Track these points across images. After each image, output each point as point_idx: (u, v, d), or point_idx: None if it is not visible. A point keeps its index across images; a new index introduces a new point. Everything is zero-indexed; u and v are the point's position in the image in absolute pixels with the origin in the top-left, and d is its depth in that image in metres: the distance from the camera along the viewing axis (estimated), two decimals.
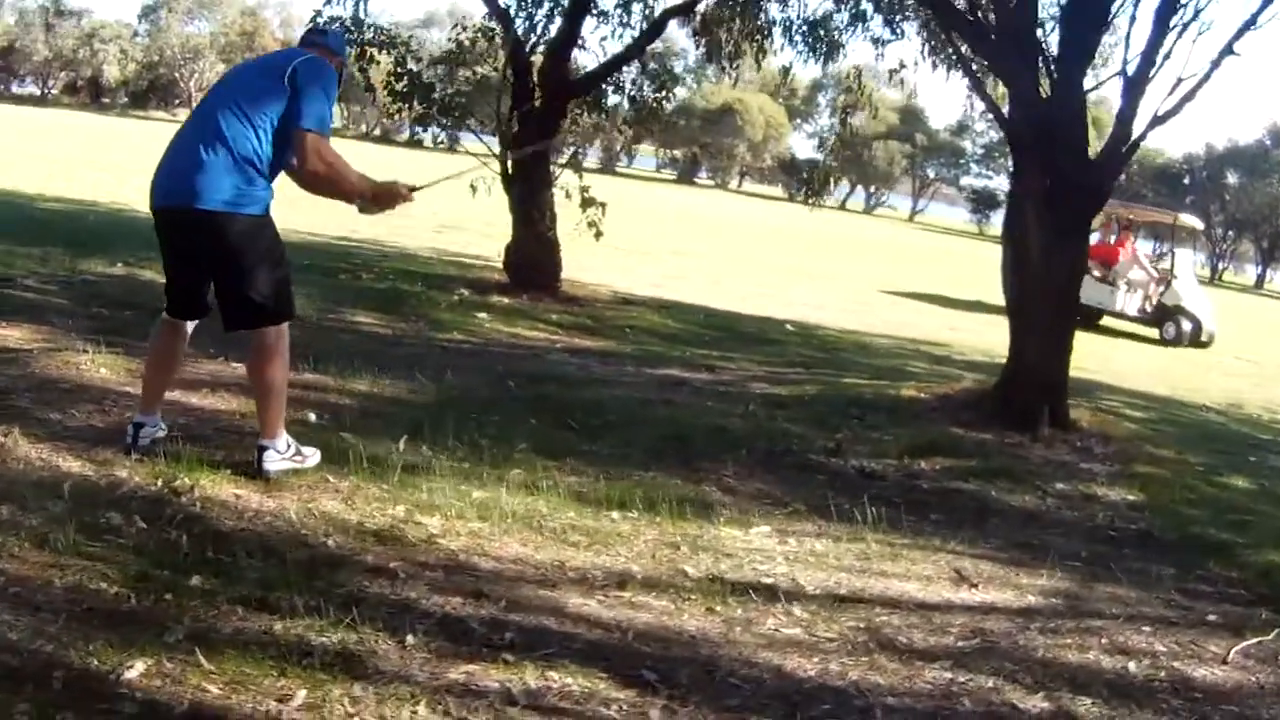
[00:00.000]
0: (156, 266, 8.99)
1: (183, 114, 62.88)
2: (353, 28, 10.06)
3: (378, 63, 10.03)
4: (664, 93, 10.22)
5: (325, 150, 3.78)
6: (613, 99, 10.36)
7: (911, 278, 20.78)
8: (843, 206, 62.73)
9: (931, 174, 67.06)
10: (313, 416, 4.83)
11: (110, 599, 2.77)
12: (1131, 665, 3.18)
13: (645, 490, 4.39)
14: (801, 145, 67.86)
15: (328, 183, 3.90)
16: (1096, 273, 17.73)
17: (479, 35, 10.40)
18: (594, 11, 9.77)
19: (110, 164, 20.39)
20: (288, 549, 3.26)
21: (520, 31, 9.80)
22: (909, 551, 4.09)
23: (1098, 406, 7.11)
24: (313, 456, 4.08)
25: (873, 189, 67.00)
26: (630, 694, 2.66)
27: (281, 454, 3.95)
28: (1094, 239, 19.54)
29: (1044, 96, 5.87)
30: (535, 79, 9.60)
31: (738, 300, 12.73)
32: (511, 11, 9.83)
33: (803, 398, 6.71)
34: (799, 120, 66.68)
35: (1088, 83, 6.01)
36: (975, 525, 4.53)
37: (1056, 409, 5.86)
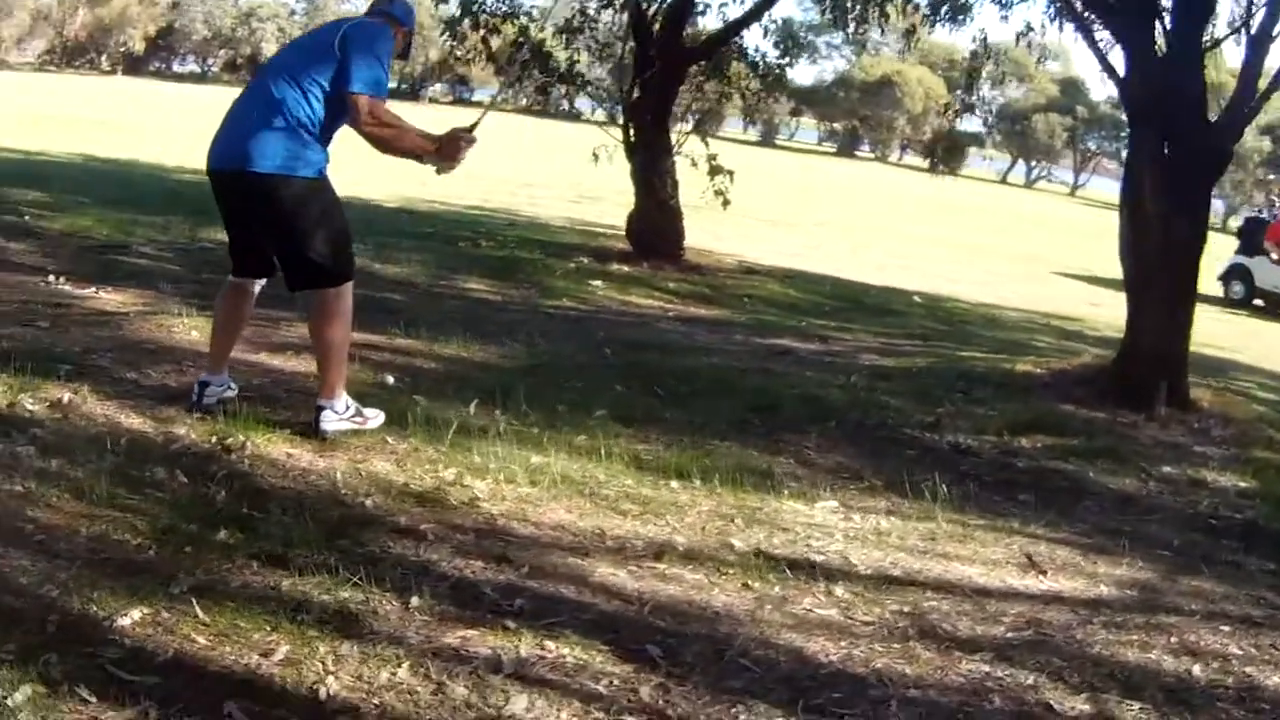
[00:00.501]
0: None
1: None
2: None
3: (499, 33, 10.09)
4: (787, 58, 9.96)
5: (378, 110, 3.77)
6: (735, 65, 10.14)
7: (1061, 252, 19.90)
8: (1004, 180, 60.84)
9: (1093, 147, 64.07)
10: (390, 379, 4.87)
11: (130, 549, 2.82)
12: (1196, 668, 2.88)
13: (714, 460, 4.28)
14: (963, 118, 65.89)
15: (386, 142, 3.89)
16: (1274, 255, 16.55)
17: (601, 3, 10.35)
18: None
19: None
20: (322, 507, 3.28)
21: None
22: (981, 533, 3.84)
23: (1227, 386, 6.58)
24: (374, 418, 4.09)
25: (1034, 162, 64.74)
26: (627, 669, 2.56)
27: (339, 414, 3.97)
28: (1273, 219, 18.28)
29: (1160, 56, 5.42)
30: (653, 45, 9.49)
31: (873, 271, 12.41)
32: None
33: (910, 370, 6.44)
34: (959, 92, 64.72)
35: (1206, 41, 5.54)
36: (1065, 508, 4.23)
37: (1175, 386, 5.43)
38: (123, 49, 56.55)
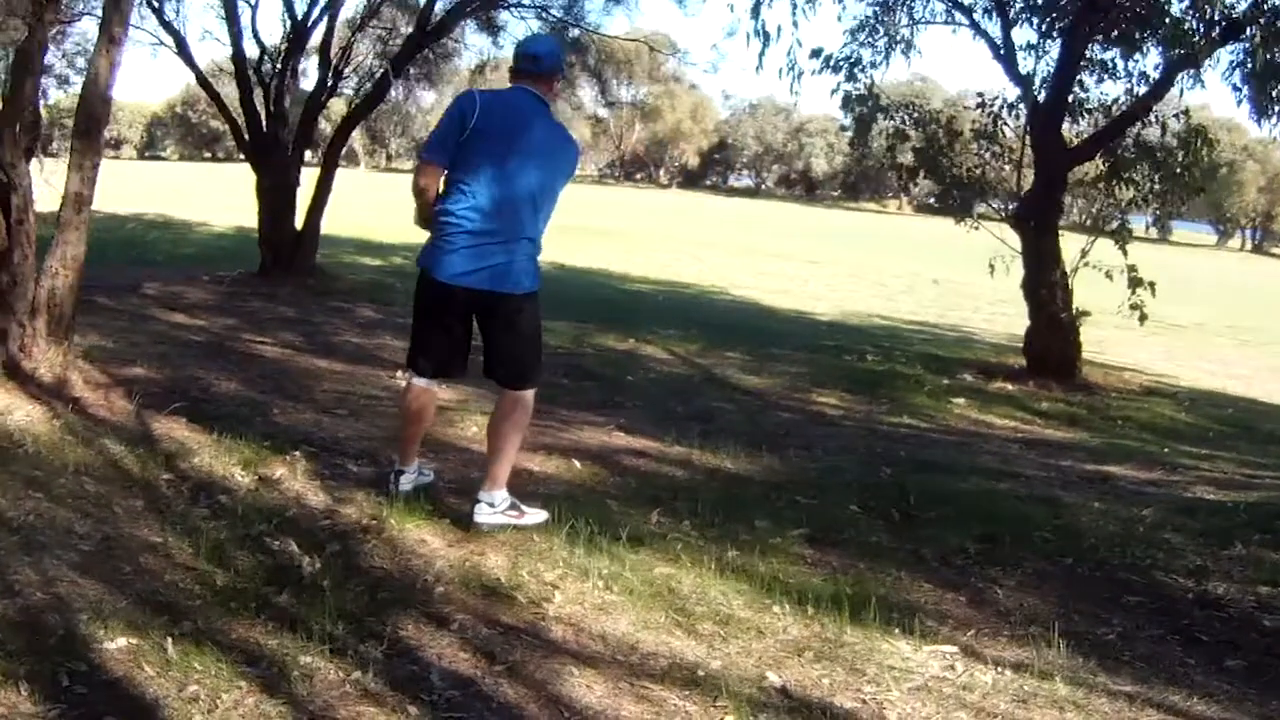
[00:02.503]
0: (660, 342, 10.05)
1: (892, 206, 64.56)
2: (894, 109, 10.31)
3: (907, 139, 10.12)
4: (1191, 157, 8.85)
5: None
6: (1138, 165, 9.26)
7: None
8: None
9: None
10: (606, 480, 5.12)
11: (186, 595, 3.37)
12: None
13: (858, 589, 4.03)
14: None
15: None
16: None
17: (1001, 105, 10.01)
18: (1091, 70, 8.91)
19: (753, 249, 22.35)
20: (388, 588, 3.61)
21: (1039, 97, 9.26)
22: (1106, 702, 3.23)
23: None
24: (534, 516, 4.35)
25: None
26: None
27: (495, 507, 4.27)
28: None
29: None
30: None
31: None
32: (1031, 76, 9.34)
33: (1226, 505, 5.45)
34: None
35: None
36: (1274, 681, 3.46)
37: None
38: (678, 163, 62.51)
